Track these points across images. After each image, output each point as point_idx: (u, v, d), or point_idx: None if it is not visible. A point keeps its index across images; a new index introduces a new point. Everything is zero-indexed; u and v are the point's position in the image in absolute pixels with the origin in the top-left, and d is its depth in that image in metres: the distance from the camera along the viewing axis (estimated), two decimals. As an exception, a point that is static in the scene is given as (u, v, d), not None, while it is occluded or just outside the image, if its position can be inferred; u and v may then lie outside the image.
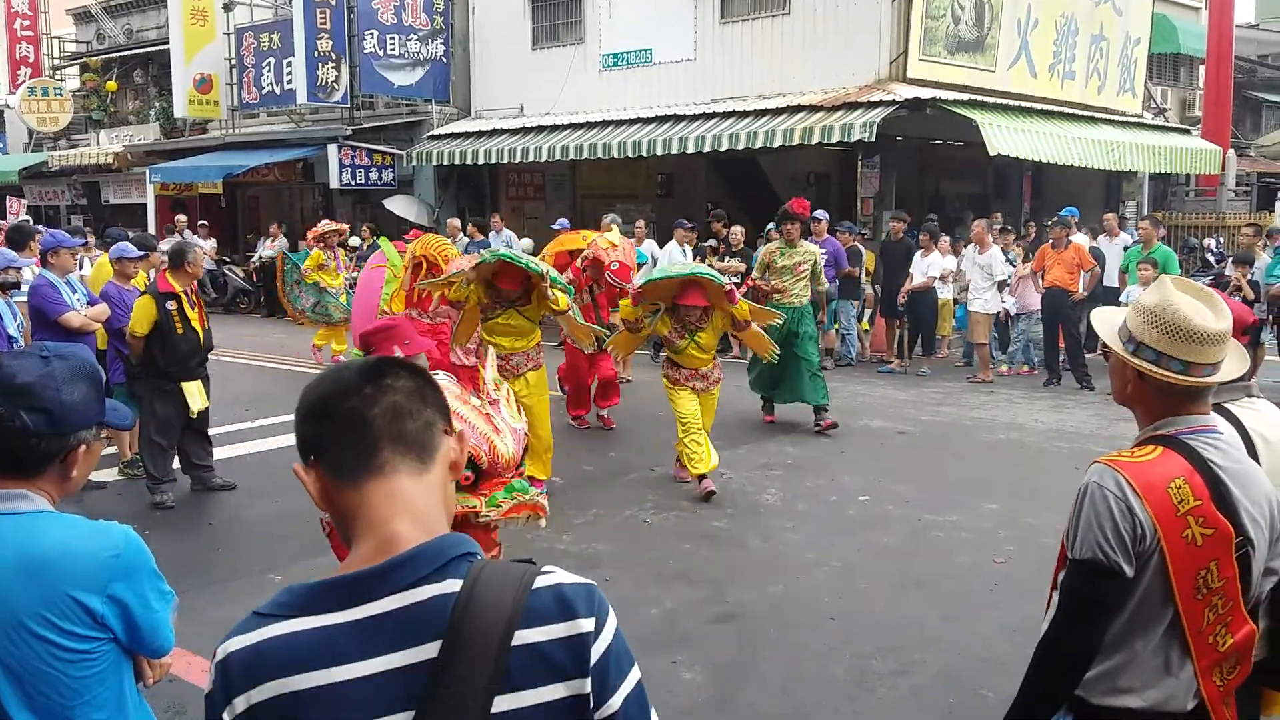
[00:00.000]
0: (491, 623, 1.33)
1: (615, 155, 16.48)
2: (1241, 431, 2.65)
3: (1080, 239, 13.23)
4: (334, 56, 19.40)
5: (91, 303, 7.88)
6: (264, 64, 21.25)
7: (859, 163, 15.71)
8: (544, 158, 17.41)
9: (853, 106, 14.33)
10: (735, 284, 7.92)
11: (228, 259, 21.30)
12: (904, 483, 7.96)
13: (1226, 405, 2.73)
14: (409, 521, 1.40)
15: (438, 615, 1.34)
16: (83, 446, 2.21)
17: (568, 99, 18.23)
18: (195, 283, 7.80)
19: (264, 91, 21.51)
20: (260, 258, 20.17)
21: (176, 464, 7.81)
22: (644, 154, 16.23)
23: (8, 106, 27.59)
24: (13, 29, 27.55)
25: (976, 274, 12.43)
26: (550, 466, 7.77)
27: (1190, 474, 2.21)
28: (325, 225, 13.93)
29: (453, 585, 1.36)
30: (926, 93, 14.23)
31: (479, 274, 7.41)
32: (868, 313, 14.31)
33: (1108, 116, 18.44)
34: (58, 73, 28.33)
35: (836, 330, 13.57)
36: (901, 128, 14.97)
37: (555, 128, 17.76)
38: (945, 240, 13.48)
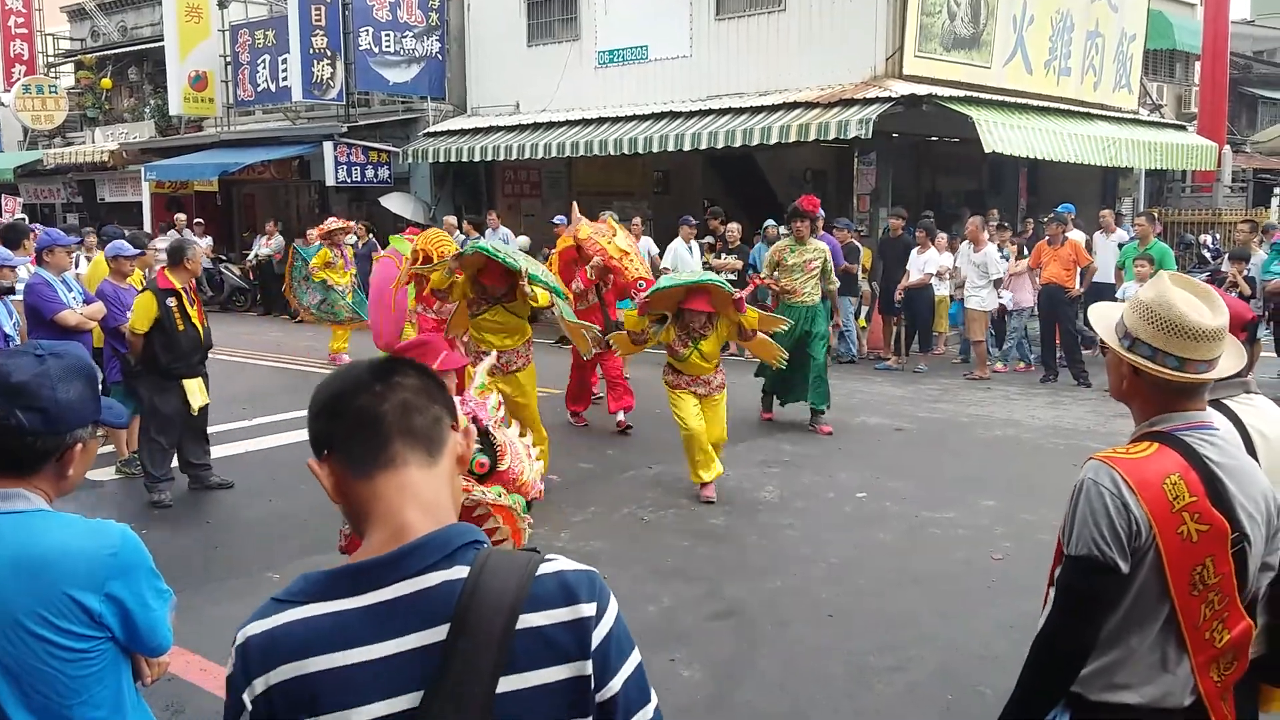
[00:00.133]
0: (497, 607, 1.39)
1: (611, 152, 16.47)
2: (1240, 428, 2.65)
3: (1076, 235, 13.24)
4: (329, 53, 19.38)
5: (87, 301, 7.87)
6: (259, 61, 21.21)
7: (855, 159, 15.71)
8: (540, 155, 17.40)
9: (849, 103, 14.33)
10: (733, 280, 7.84)
11: (224, 257, 21.26)
12: (901, 479, 7.97)
13: (1224, 401, 2.73)
14: (419, 511, 1.47)
15: (446, 600, 1.40)
16: (79, 445, 2.20)
17: (564, 96, 18.22)
18: (194, 280, 7.80)
19: (259, 89, 21.47)
20: (256, 256, 20.15)
21: (174, 463, 7.80)
22: (640, 151, 16.22)
23: (2, 104, 27.52)
24: (7, 26, 27.51)
25: (972, 271, 12.44)
26: (548, 463, 7.77)
27: (1186, 470, 2.21)
28: (332, 223, 13.87)
29: (460, 571, 1.42)
30: (922, 89, 14.23)
31: (463, 266, 7.37)
32: (864, 310, 14.32)
33: (1103, 113, 18.45)
34: (52, 70, 28.26)
35: (835, 327, 13.56)
36: (897, 124, 14.98)
37: (551, 125, 17.74)
38: (942, 237, 13.49)
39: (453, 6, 19.85)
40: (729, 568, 6.19)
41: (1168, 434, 2.28)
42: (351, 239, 18.19)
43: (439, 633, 1.39)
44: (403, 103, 20.34)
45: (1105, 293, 12.08)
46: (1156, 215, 14.05)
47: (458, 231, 16.24)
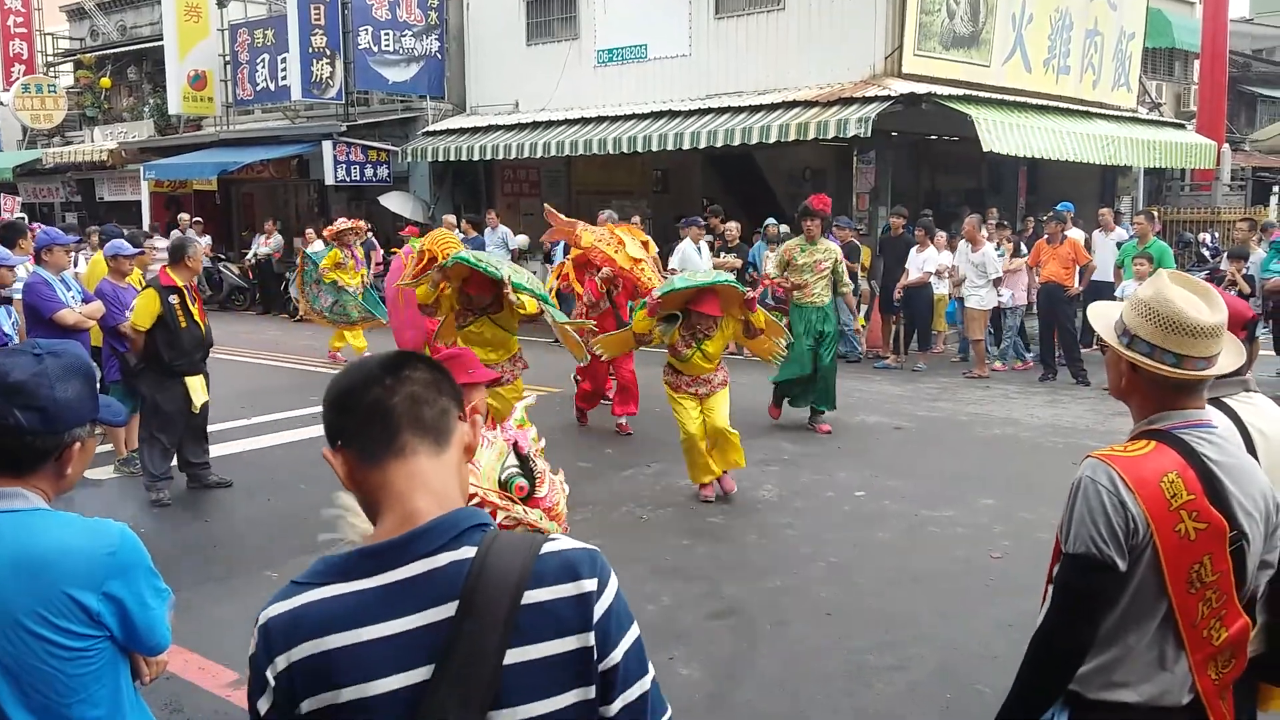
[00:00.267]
0: (502, 585, 1.47)
1: (611, 151, 16.46)
2: (1239, 426, 2.65)
3: (1076, 234, 13.24)
4: (328, 53, 19.37)
5: (86, 300, 7.87)
6: (258, 60, 21.21)
7: (854, 158, 15.71)
8: (539, 154, 17.39)
9: (848, 102, 14.33)
10: (732, 278, 7.69)
11: (222, 256, 21.25)
12: (900, 478, 7.97)
13: (1224, 400, 2.73)
14: (427, 497, 1.55)
15: (454, 579, 1.48)
16: (77, 444, 2.20)
17: (563, 95, 18.22)
18: (194, 278, 7.80)
19: (258, 88, 21.47)
20: (255, 255, 20.15)
21: (173, 461, 7.80)
22: (639, 150, 16.22)
23: (1, 103, 27.50)
24: (6, 25, 27.48)
25: (971, 271, 12.44)
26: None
27: (1183, 469, 2.21)
28: (342, 223, 13.82)
29: (468, 552, 1.50)
30: (922, 88, 14.23)
31: (447, 277, 7.25)
32: (863, 309, 14.32)
33: (1103, 111, 18.45)
34: (52, 69, 28.24)
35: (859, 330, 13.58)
36: (897, 123, 14.98)
37: (550, 124, 17.74)
38: (941, 236, 13.49)
39: (452, 5, 19.84)
40: (728, 566, 6.19)
41: (1166, 432, 2.28)
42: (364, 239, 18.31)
43: (448, 610, 1.47)
44: (402, 102, 20.33)
45: (1104, 291, 12.08)
46: (1156, 214, 14.05)
47: (456, 231, 16.24)
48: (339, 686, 1.46)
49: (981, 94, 15.19)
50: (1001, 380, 12.22)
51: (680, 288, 7.09)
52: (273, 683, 1.50)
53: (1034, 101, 16.38)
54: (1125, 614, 2.24)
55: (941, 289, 13.35)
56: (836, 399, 9.83)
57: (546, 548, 1.54)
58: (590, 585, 1.53)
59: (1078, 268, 12.27)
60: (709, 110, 15.92)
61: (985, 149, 13.98)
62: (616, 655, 1.53)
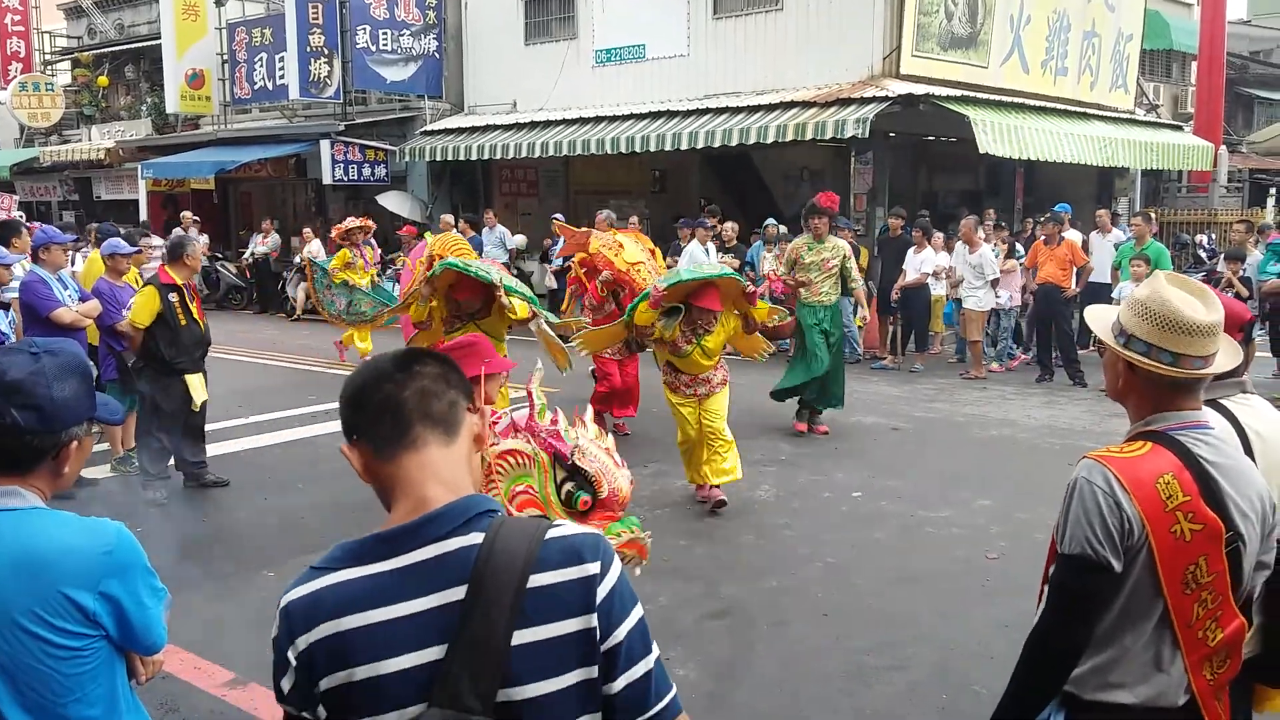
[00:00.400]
0: (509, 569, 1.54)
1: (609, 151, 16.47)
2: (1237, 427, 2.65)
3: (1073, 235, 13.26)
4: (326, 52, 19.36)
5: (83, 298, 7.86)
6: (256, 59, 21.20)
7: (852, 159, 15.72)
8: (537, 153, 17.39)
9: (846, 102, 14.33)
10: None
11: (220, 255, 21.23)
12: (897, 479, 7.97)
13: (1221, 401, 2.73)
14: (438, 486, 1.62)
15: (464, 563, 1.55)
16: (74, 443, 2.20)
17: (561, 95, 18.21)
18: (193, 276, 7.80)
19: (256, 87, 21.46)
20: (253, 254, 20.13)
21: (170, 460, 7.79)
22: (637, 150, 16.22)
23: (-1, 102, 27.50)
24: (3, 24, 27.43)
25: (969, 272, 12.45)
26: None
27: (1179, 470, 2.21)
28: (350, 223, 13.73)
29: (476, 538, 1.57)
30: (919, 89, 14.24)
31: (434, 286, 7.08)
32: (860, 310, 14.31)
33: (1100, 113, 18.47)
34: (49, 68, 28.20)
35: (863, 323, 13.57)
36: (894, 124, 14.99)
37: (548, 123, 17.74)
38: (939, 237, 13.50)
39: (450, 5, 19.84)
40: (726, 567, 6.19)
41: (1162, 433, 2.28)
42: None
43: (458, 592, 1.54)
44: (400, 101, 20.33)
45: (1101, 292, 12.09)
46: (1153, 215, 14.06)
47: (454, 231, 16.22)
48: (354, 665, 1.53)
49: (979, 95, 15.21)
50: (998, 381, 12.23)
51: (686, 279, 6.94)
52: (294, 663, 1.57)
53: (1032, 103, 16.40)
54: (1121, 615, 2.24)
55: (939, 290, 13.36)
56: (840, 398, 9.74)
57: (551, 533, 1.61)
58: (593, 569, 1.59)
59: (1075, 269, 12.29)
60: (707, 110, 15.92)
61: (981, 151, 13.99)
62: (619, 635, 1.59)
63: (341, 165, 19.25)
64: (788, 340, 11.04)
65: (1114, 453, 2.27)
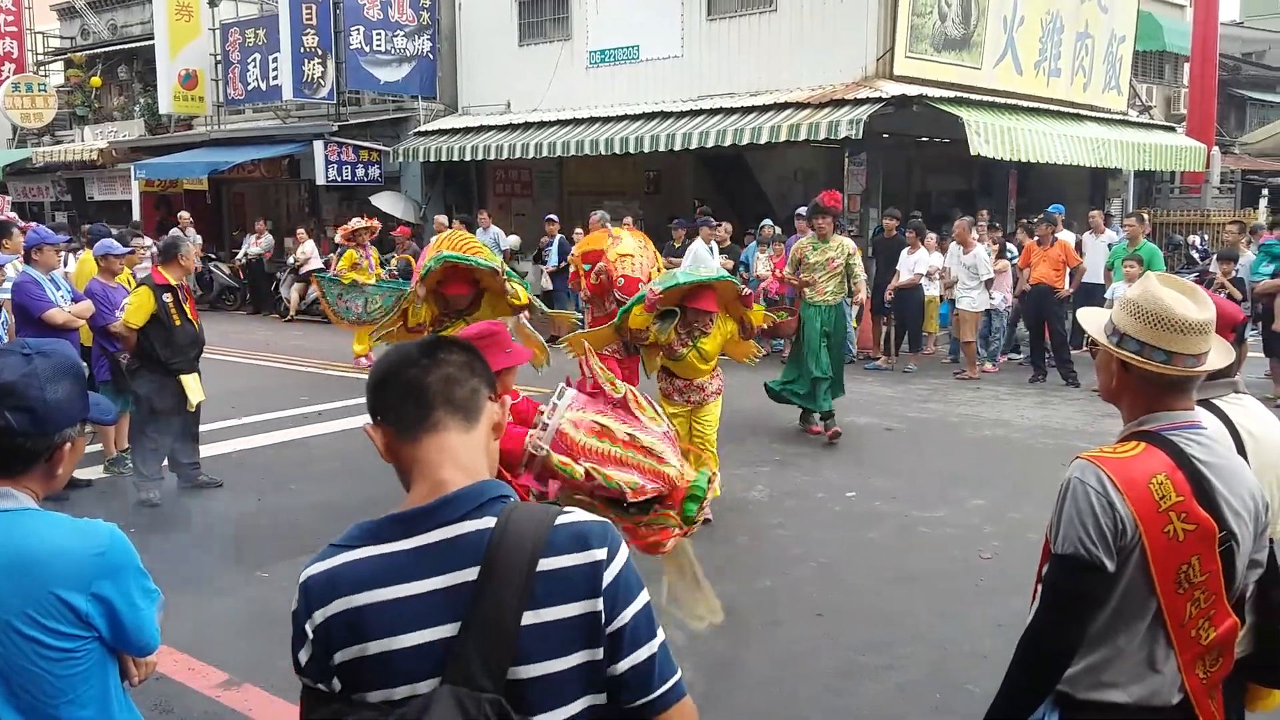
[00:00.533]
0: (520, 552, 1.60)
1: (603, 152, 16.46)
2: (1229, 427, 2.66)
3: (1066, 236, 13.28)
4: (320, 52, 19.33)
5: (76, 299, 7.85)
6: (249, 60, 21.16)
7: (846, 160, 15.72)
8: (531, 154, 17.38)
9: (840, 103, 14.35)
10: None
11: (213, 256, 21.19)
12: (890, 479, 7.98)
13: (1214, 401, 2.74)
14: (455, 469, 1.68)
15: (476, 546, 1.61)
16: (68, 445, 2.20)
17: (555, 95, 18.20)
18: (186, 277, 7.79)
19: (249, 87, 21.42)
20: (246, 255, 20.09)
21: (164, 462, 7.77)
22: (631, 151, 16.22)
23: (-9, 102, 27.41)
24: (-4, 24, 27.37)
25: (963, 273, 12.48)
26: None
27: (1172, 470, 2.22)
28: (356, 223, 13.64)
29: (489, 522, 1.63)
30: (913, 90, 14.25)
31: (427, 285, 6.96)
32: (855, 310, 14.32)
33: (1093, 114, 18.51)
34: (42, 68, 28.13)
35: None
36: (888, 125, 15.00)
37: (542, 124, 17.73)
38: (931, 237, 13.53)
39: (444, 5, 19.81)
40: (719, 567, 6.18)
41: (1155, 434, 2.29)
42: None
43: (470, 574, 1.60)
44: (393, 102, 20.30)
45: (1094, 293, 12.12)
46: (1146, 216, 14.08)
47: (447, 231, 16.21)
48: (367, 640, 1.60)
49: (973, 96, 15.23)
50: (992, 381, 12.25)
51: (682, 282, 6.75)
52: (311, 635, 1.65)
53: (1025, 104, 16.42)
54: (1114, 614, 2.25)
55: (932, 290, 13.38)
56: (838, 393, 9.63)
57: (561, 519, 1.66)
58: (600, 554, 1.64)
59: (1068, 269, 12.32)
60: (701, 111, 15.92)
61: (973, 153, 14.01)
62: (624, 619, 1.64)
63: (335, 166, 19.22)
64: (781, 341, 11.01)
65: (1107, 453, 2.28)
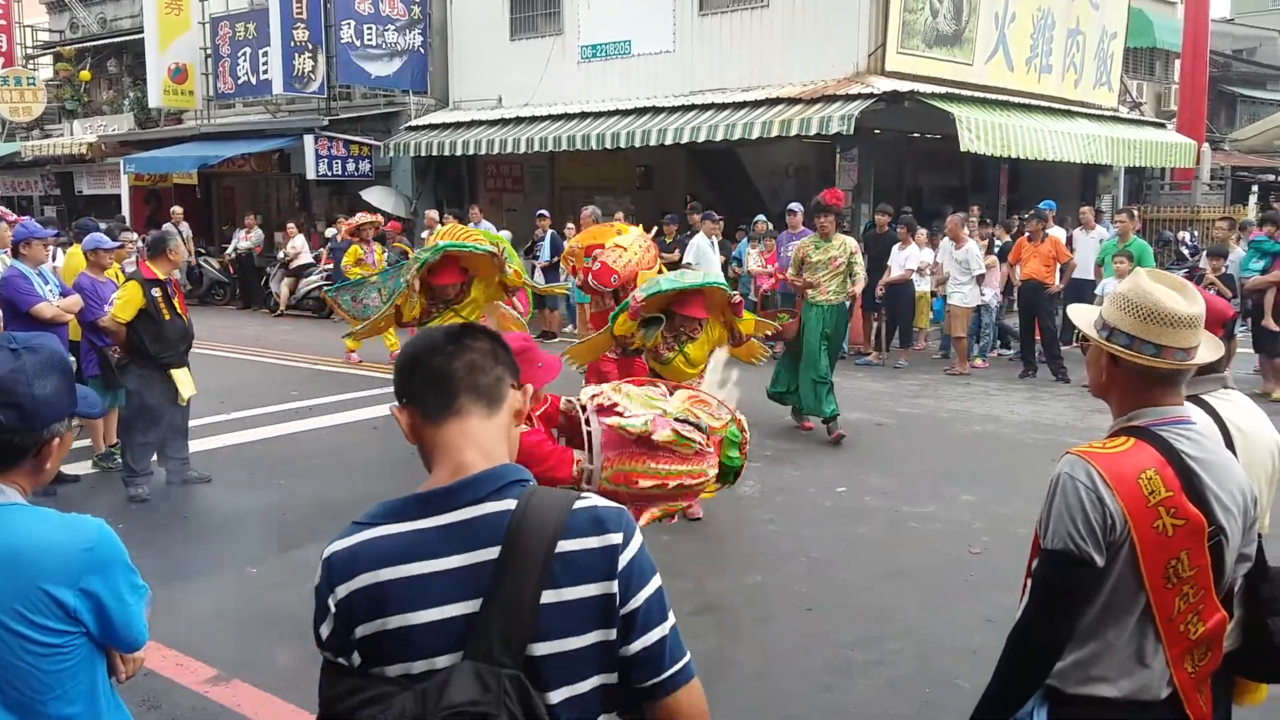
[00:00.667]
0: (540, 534, 1.66)
1: (594, 147, 16.44)
2: (1218, 422, 2.67)
3: (1057, 232, 13.31)
4: (310, 46, 19.28)
5: (64, 294, 7.82)
6: (239, 54, 21.09)
7: (837, 155, 15.73)
8: (522, 149, 17.35)
9: (831, 99, 14.36)
10: (721, 280, 7.24)
11: (203, 250, 21.13)
12: (881, 474, 8.00)
13: (1203, 397, 2.75)
14: (476, 453, 1.73)
15: (496, 527, 1.67)
16: (55, 440, 2.19)
17: (546, 90, 18.18)
18: (174, 271, 7.77)
19: (240, 81, 21.35)
20: (236, 249, 20.03)
21: (153, 457, 7.75)
22: (623, 146, 16.21)
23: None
24: (-15, 17, 27.26)
25: (955, 268, 12.50)
26: None
27: (1162, 465, 2.22)
28: (361, 218, 13.54)
29: (509, 504, 1.69)
30: (905, 86, 14.26)
31: (420, 277, 6.89)
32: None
33: (1084, 110, 18.54)
34: (31, 62, 28.03)
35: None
36: (880, 121, 15.01)
37: (534, 119, 17.70)
38: (922, 233, 13.54)
39: (435, 0, 19.77)
40: (710, 562, 6.19)
41: (1144, 429, 2.29)
42: (330, 232, 18.18)
43: (490, 553, 1.65)
44: (384, 96, 20.26)
45: (1085, 289, 12.15)
46: (1136, 212, 14.12)
47: (438, 226, 16.18)
48: (388, 615, 1.64)
49: (964, 92, 15.24)
50: (982, 377, 12.27)
51: (666, 289, 6.61)
52: (333, 609, 1.68)
53: (1016, 100, 16.45)
54: (1104, 609, 2.25)
55: (923, 286, 13.40)
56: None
57: (578, 504, 1.72)
58: (616, 539, 1.71)
59: (1058, 265, 12.34)
60: (693, 107, 15.91)
61: (963, 149, 14.03)
62: (637, 602, 1.71)
63: (325, 160, 19.17)
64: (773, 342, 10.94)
65: (1097, 448, 2.28)
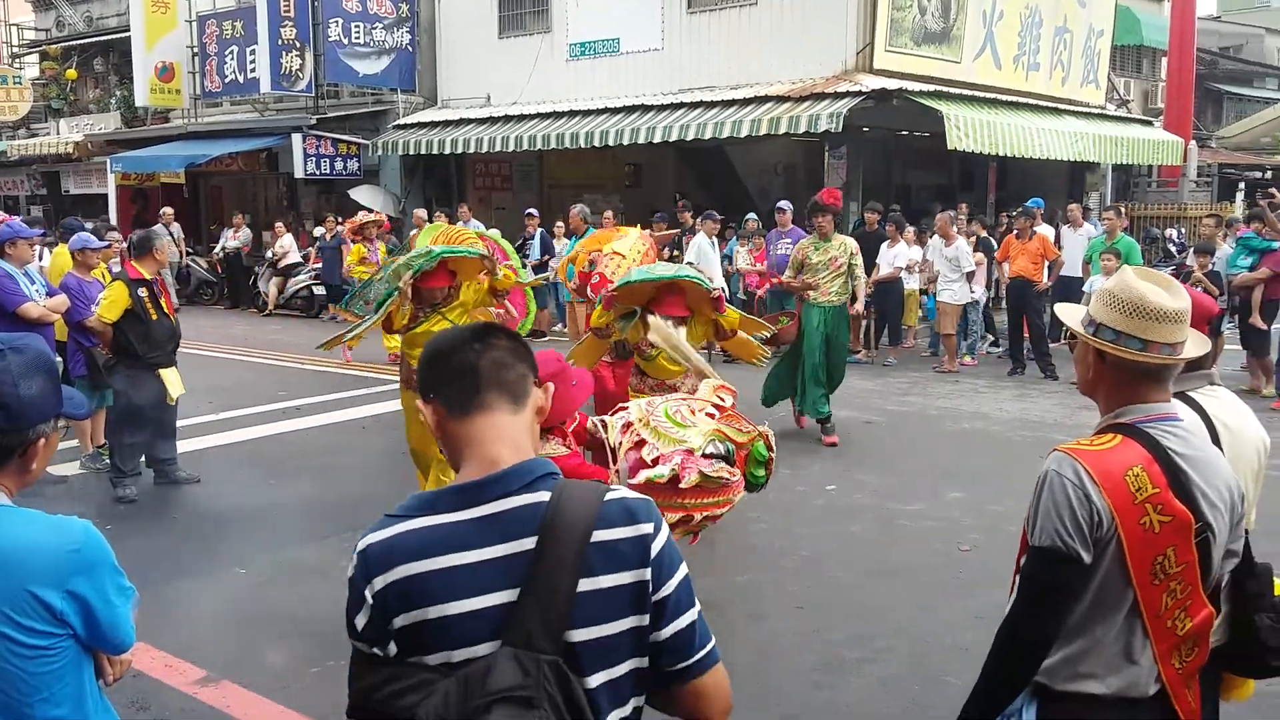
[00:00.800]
0: (575, 524, 1.71)
1: (583, 145, 16.44)
2: (1205, 419, 2.68)
3: (1045, 229, 13.34)
4: (298, 45, 19.22)
5: (50, 294, 7.78)
6: (227, 52, 21.02)
7: (826, 153, 15.75)
8: (511, 147, 17.34)
9: (820, 97, 14.37)
10: (699, 275, 7.07)
11: (191, 250, 21.06)
12: (870, 472, 8.01)
13: (1189, 393, 2.76)
14: (506, 447, 1.78)
15: (531, 517, 1.71)
16: (42, 440, 2.18)
17: (535, 88, 18.16)
18: (160, 272, 7.73)
19: (227, 80, 21.28)
20: (224, 249, 19.96)
21: (141, 457, 7.71)
22: (611, 144, 16.21)
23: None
24: (-31, 16, 27.11)
25: (944, 265, 12.52)
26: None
27: (1149, 462, 2.23)
28: (364, 216, 13.48)
29: (542, 496, 1.74)
30: (893, 84, 14.29)
31: (412, 283, 6.63)
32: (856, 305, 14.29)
33: (1072, 108, 18.60)
34: (17, 61, 27.89)
35: (859, 319, 13.52)
36: (868, 119, 15.04)
37: (522, 117, 17.69)
38: (910, 231, 13.57)
39: (423, -2, 19.75)
40: (701, 561, 6.18)
41: (1131, 426, 2.30)
42: (319, 231, 18.12)
43: (526, 544, 1.69)
44: (373, 94, 20.21)
45: (1072, 286, 12.19)
46: (1124, 210, 14.18)
47: (426, 225, 16.15)
48: (427, 605, 1.68)
49: (952, 90, 15.28)
50: (971, 375, 12.30)
51: (636, 280, 6.37)
52: (370, 601, 1.70)
53: (1004, 98, 16.49)
54: (1092, 606, 2.26)
55: (912, 284, 13.43)
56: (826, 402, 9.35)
57: (609, 495, 1.78)
58: (647, 529, 1.76)
59: (1046, 263, 12.38)
60: (681, 104, 15.92)
61: (950, 147, 14.06)
62: (668, 589, 1.77)
63: (313, 159, 19.12)
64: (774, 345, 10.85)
65: (1084, 445, 2.29)
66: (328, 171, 19.49)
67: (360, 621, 1.72)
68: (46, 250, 11.32)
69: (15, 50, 28.02)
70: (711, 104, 15.54)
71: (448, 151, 18.24)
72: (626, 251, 7.87)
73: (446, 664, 1.67)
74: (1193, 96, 22.49)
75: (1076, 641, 2.28)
